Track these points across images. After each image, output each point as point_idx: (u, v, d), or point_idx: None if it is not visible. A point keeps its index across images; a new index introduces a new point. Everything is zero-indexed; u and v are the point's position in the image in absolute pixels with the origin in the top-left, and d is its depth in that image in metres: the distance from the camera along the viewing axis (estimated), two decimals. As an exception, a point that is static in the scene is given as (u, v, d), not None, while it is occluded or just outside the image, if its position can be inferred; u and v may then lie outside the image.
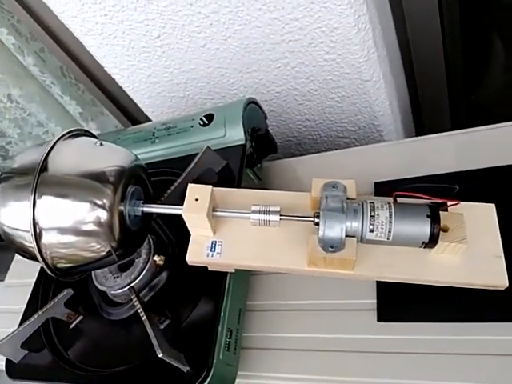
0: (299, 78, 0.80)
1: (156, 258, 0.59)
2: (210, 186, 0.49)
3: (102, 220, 0.46)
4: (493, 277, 0.45)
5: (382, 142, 0.71)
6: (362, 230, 0.45)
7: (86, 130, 0.54)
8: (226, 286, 0.52)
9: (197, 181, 0.61)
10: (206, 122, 0.66)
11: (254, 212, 0.48)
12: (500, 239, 0.47)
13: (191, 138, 0.66)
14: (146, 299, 0.58)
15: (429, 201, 0.47)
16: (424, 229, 0.44)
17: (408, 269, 0.46)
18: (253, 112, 0.66)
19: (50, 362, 0.58)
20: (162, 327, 0.54)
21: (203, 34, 0.76)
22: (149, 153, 0.70)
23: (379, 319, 0.50)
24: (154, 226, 0.62)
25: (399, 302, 0.51)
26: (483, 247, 0.46)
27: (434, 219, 0.44)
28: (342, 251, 0.44)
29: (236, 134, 0.63)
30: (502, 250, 0.46)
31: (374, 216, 0.45)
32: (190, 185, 0.49)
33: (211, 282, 0.53)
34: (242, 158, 0.61)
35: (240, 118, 0.63)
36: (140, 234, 0.53)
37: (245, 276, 0.58)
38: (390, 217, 0.44)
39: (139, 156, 0.71)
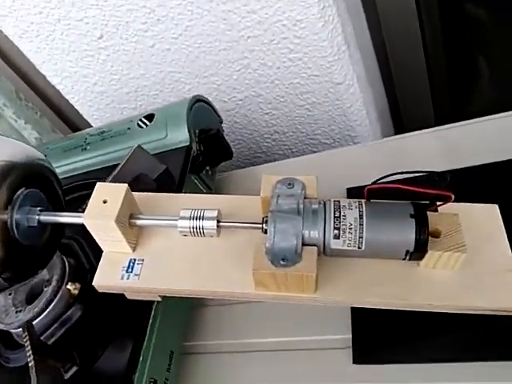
0: (263, 82, 0.71)
1: (70, 286, 0.46)
2: (126, 185, 0.37)
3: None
4: (505, 297, 0.33)
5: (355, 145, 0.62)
6: (325, 236, 0.33)
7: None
8: (150, 320, 0.39)
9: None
10: (146, 122, 0.55)
11: (184, 218, 0.36)
12: (509, 248, 0.36)
13: (127, 142, 0.55)
14: (53, 338, 0.44)
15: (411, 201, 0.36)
16: (407, 232, 0.32)
17: (390, 290, 0.34)
18: (201, 112, 0.56)
19: None
20: (67, 376, 0.40)
21: (151, 33, 0.67)
22: (79, 162, 0.59)
23: (355, 361, 0.38)
24: (73, 244, 0.50)
25: (381, 338, 0.38)
26: (489, 259, 0.35)
27: (420, 219, 0.32)
28: (298, 265, 0.33)
29: (179, 135, 0.52)
30: (512, 261, 0.35)
31: (339, 217, 0.33)
32: (98, 184, 0.38)
33: (133, 316, 0.40)
34: (185, 162, 0.50)
35: (184, 117, 0.52)
36: (40, 251, 0.40)
37: (181, 307, 0.45)
38: (361, 217, 0.33)
39: (69, 166, 0.61)
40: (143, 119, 0.56)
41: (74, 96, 0.81)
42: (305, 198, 0.36)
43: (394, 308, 0.35)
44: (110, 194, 0.37)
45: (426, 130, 0.54)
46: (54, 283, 0.46)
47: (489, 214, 0.38)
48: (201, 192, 0.53)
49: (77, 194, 0.57)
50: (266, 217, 0.36)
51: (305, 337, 0.40)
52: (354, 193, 0.50)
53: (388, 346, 0.37)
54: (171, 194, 0.42)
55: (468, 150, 0.49)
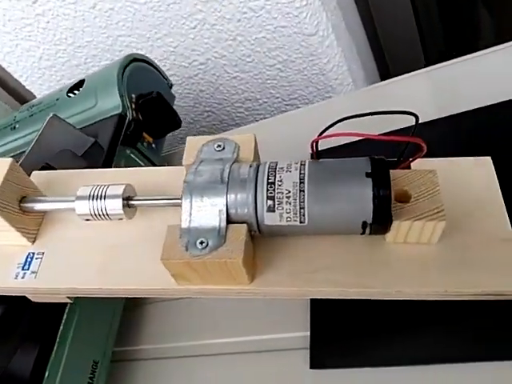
0: (223, 39, 0.62)
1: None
2: (9, 160, 0.30)
3: None
4: (500, 276, 0.25)
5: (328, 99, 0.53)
6: (256, 209, 0.25)
7: None
8: (61, 327, 0.32)
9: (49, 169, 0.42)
10: (75, 91, 0.47)
11: (81, 198, 0.29)
12: (506, 212, 0.27)
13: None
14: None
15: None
16: (362, 198, 0.24)
17: (347, 275, 0.26)
18: (139, 73, 0.48)
19: None
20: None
21: (89, -10, 0.59)
22: (10, 143, 0.52)
23: (313, 365, 0.30)
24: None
25: (343, 337, 0.30)
26: (478, 227, 0.27)
27: (380, 179, 0.24)
28: (220, 249, 0.25)
29: (109, 102, 0.45)
30: (510, 228, 0.27)
31: (273, 183, 0.25)
32: (-23, 161, 0.30)
33: (40, 322, 0.33)
34: (116, 132, 0.42)
35: (114, 80, 0.44)
36: None
37: (106, 308, 0.38)
38: (302, 181, 0.25)
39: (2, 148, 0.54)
40: (73, 88, 0.48)
41: (22, 74, 0.73)
42: (237, 162, 0.28)
43: (353, 298, 0.27)
44: (-9, 170, 0.29)
45: (415, 72, 0.45)
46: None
47: (480, 169, 0.30)
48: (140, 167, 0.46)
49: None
50: (188, 189, 0.28)
51: (255, 336, 0.33)
52: (325, 157, 0.41)
53: (353, 346, 0.30)
54: (81, 170, 0.35)
55: (465, 92, 0.40)
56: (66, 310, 0.32)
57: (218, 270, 0.26)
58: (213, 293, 0.28)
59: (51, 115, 0.40)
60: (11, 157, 0.52)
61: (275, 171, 0.26)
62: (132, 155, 0.44)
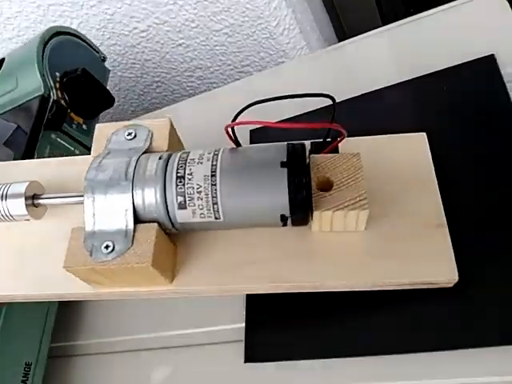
0: (163, 4, 0.57)
1: None
2: None
3: None
4: (432, 265, 0.24)
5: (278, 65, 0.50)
6: (167, 206, 0.23)
7: None
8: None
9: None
10: (-5, 72, 0.43)
11: (-18, 199, 0.26)
12: (438, 193, 0.26)
13: (-27, 100, 0.43)
14: None
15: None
16: (277, 190, 0.22)
17: (270, 269, 0.25)
18: (63, 48, 0.44)
19: None
20: None
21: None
22: None
23: (247, 359, 0.29)
24: None
25: (278, 329, 0.29)
26: (410, 211, 0.26)
27: (295, 168, 0.22)
28: (127, 253, 0.23)
29: (30, 83, 0.41)
30: (443, 213, 0.25)
31: (183, 177, 0.23)
32: None
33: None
34: (39, 116, 0.39)
35: (33, 58, 0.40)
36: None
37: (40, 306, 0.36)
38: (213, 174, 0.23)
39: None
40: (-8, 69, 0.44)
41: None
42: (148, 152, 0.26)
43: (280, 292, 0.25)
44: None
45: (373, 32, 0.42)
46: None
47: (413, 147, 0.28)
48: (71, 154, 0.43)
49: None
50: (96, 185, 0.26)
51: (188, 329, 0.32)
52: (258, 135, 0.39)
53: (289, 337, 0.29)
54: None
55: (426, 52, 0.37)
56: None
57: (129, 274, 0.24)
58: (133, 295, 0.26)
59: (-41, 102, 0.36)
60: None
61: (185, 163, 0.24)
62: (58, 139, 0.41)
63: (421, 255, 0.24)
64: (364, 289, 0.25)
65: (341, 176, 0.24)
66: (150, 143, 0.26)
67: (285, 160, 0.23)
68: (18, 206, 0.26)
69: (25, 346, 0.33)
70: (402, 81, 0.37)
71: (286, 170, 0.22)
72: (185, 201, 0.23)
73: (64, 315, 0.38)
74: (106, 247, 0.23)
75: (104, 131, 0.28)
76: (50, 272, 0.27)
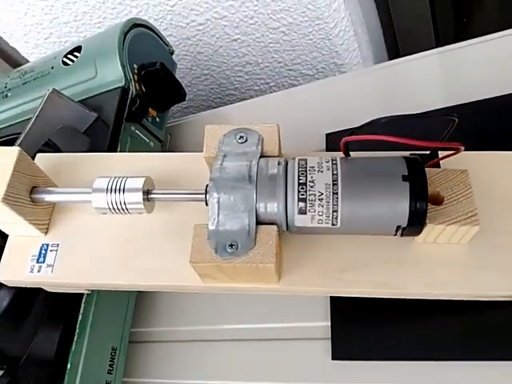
0: (225, -1, 0.58)
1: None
2: (17, 149, 0.28)
3: None
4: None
5: (334, 76, 0.50)
6: (287, 210, 0.25)
7: None
8: (79, 316, 0.31)
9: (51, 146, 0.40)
10: (72, 58, 0.44)
11: (98, 190, 0.27)
12: (533, 211, 0.27)
13: (52, 84, 0.44)
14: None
15: (404, 151, 0.27)
16: (398, 202, 0.24)
17: (375, 275, 0.26)
18: (141, 40, 0.45)
19: None
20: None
21: None
22: (1, 113, 0.48)
23: (334, 356, 0.31)
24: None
25: (364, 330, 0.31)
26: (508, 227, 0.27)
27: (417, 184, 0.24)
28: (251, 252, 0.24)
29: (110, 73, 0.42)
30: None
31: (305, 184, 0.24)
32: (-18, 149, 0.28)
33: (60, 310, 0.32)
34: (120, 108, 0.40)
35: (115, 48, 0.41)
36: None
37: (123, 295, 0.37)
38: (335, 183, 0.24)
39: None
40: (68, 55, 0.45)
41: (6, 30, 0.68)
42: (262, 156, 0.27)
43: (382, 297, 0.27)
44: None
45: (427, 53, 0.43)
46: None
47: (508, 164, 0.29)
48: (146, 144, 0.44)
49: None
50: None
51: (276, 323, 0.33)
52: (334, 140, 0.40)
53: (374, 338, 0.30)
54: (90, 154, 0.33)
55: (479, 76, 0.38)
56: (83, 300, 0.32)
57: (248, 272, 0.25)
58: (239, 290, 0.28)
59: (51, 90, 0.37)
60: (3, 128, 0.50)
61: (306, 170, 0.25)
62: (137, 131, 0.42)
63: (519, 270, 0.26)
64: (463, 298, 0.26)
65: (451, 191, 0.25)
66: (262, 148, 0.28)
67: (406, 174, 0.24)
68: (135, 200, 0.27)
69: (111, 332, 0.34)
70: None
71: (407, 183, 0.24)
72: (305, 206, 0.24)
73: (140, 302, 0.40)
74: (231, 246, 0.24)
75: (213, 133, 0.29)
76: (156, 263, 0.28)
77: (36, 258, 0.30)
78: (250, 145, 0.28)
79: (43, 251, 0.30)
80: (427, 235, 0.26)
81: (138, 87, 0.43)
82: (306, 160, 0.26)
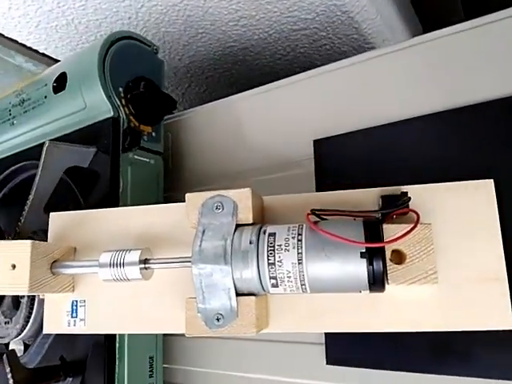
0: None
1: (41, 295, 0.45)
2: (29, 243, 0.32)
3: None
4: (485, 314, 0.28)
5: (330, 64, 0.46)
6: (262, 284, 0.28)
7: None
8: (117, 347, 0.38)
9: (64, 191, 0.43)
10: (60, 87, 0.45)
11: (103, 265, 0.32)
12: (502, 248, 0.29)
13: (48, 115, 0.47)
14: (45, 347, 0.46)
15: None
16: (358, 276, 0.26)
17: (347, 318, 0.30)
18: (121, 56, 0.44)
19: None
20: (64, 388, 0.43)
21: None
22: (10, 140, 0.52)
23: (329, 361, 0.36)
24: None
25: (357, 338, 0.35)
26: (475, 262, 0.29)
27: (374, 258, 0.26)
28: (235, 323, 0.28)
29: (98, 105, 0.43)
30: (504, 267, 0.28)
31: (273, 264, 0.27)
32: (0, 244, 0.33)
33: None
34: (114, 140, 0.42)
35: (97, 80, 0.42)
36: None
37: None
38: (300, 262, 0.27)
39: (2, 145, 0.54)
40: (56, 83, 0.45)
41: (-5, 22, 0.67)
42: (237, 225, 0.29)
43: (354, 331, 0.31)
44: (16, 255, 0.32)
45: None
46: (26, 297, 0.45)
47: (479, 194, 0.30)
48: (148, 166, 0.45)
49: (16, 179, 0.52)
50: (196, 254, 0.30)
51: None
52: (322, 146, 0.40)
53: (367, 347, 0.35)
54: (93, 211, 0.36)
55: None
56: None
57: (234, 332, 0.30)
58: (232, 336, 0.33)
59: (47, 144, 0.39)
60: (12, 155, 0.53)
61: (274, 250, 0.27)
62: (135, 156, 0.44)
63: (479, 304, 0.28)
64: (428, 330, 0.30)
65: (413, 249, 0.27)
66: (237, 215, 0.30)
67: (364, 251, 0.26)
68: (133, 272, 0.31)
69: (148, 342, 0.42)
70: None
71: (365, 260, 0.26)
72: (277, 282, 0.28)
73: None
74: (217, 319, 0.29)
75: (193, 201, 0.31)
76: (158, 315, 0.33)
77: (70, 313, 0.36)
78: (226, 214, 0.30)
79: (74, 307, 0.36)
80: (391, 288, 0.28)
81: (127, 111, 0.43)
82: (274, 236, 0.28)
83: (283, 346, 0.39)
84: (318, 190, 0.39)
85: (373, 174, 0.38)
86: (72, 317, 0.35)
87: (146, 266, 0.32)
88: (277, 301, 0.31)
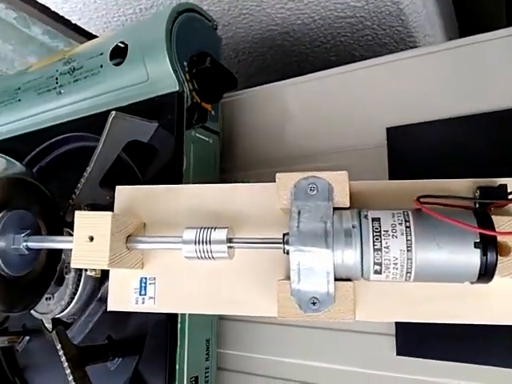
0: None
1: (89, 272, 0.44)
2: (110, 214, 0.31)
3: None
4: None
5: (398, 53, 0.45)
6: (362, 269, 0.27)
7: None
8: (179, 328, 0.38)
9: (119, 165, 0.42)
10: (119, 57, 0.43)
11: (187, 242, 0.30)
12: None
13: (103, 86, 0.45)
14: (89, 326, 0.45)
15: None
16: (470, 265, 0.26)
17: (449, 307, 0.29)
18: (189, 28, 0.43)
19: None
20: (112, 368, 0.42)
21: None
22: (56, 109, 0.50)
23: (399, 352, 0.36)
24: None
25: (427, 331, 0.35)
26: None
27: (488, 248, 0.25)
28: (332, 308, 0.28)
29: (163, 78, 0.41)
30: None
31: (380, 250, 0.26)
32: (77, 214, 0.32)
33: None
34: (179, 116, 0.41)
35: (164, 52, 0.40)
36: (43, 274, 0.38)
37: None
38: (409, 249, 0.26)
39: (45, 115, 0.52)
40: (113, 52, 0.44)
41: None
42: (334, 208, 0.29)
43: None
44: (95, 227, 0.31)
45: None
46: (72, 272, 0.44)
47: None
48: (207, 145, 0.44)
49: (59, 150, 0.51)
50: (286, 234, 0.30)
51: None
52: (396, 135, 0.40)
53: (436, 339, 0.35)
54: (164, 186, 0.35)
55: None
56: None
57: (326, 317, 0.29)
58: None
59: (114, 114, 0.38)
60: (57, 125, 0.51)
61: (380, 235, 0.27)
62: (197, 135, 0.42)
63: None
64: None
65: (519, 241, 0.27)
66: (332, 198, 0.29)
67: (478, 240, 0.25)
68: (220, 250, 0.30)
69: (205, 324, 0.41)
70: None
71: (479, 250, 0.25)
72: (380, 269, 0.27)
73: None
74: (313, 303, 0.28)
75: (284, 181, 0.30)
76: (236, 296, 0.32)
77: (138, 290, 0.34)
78: (320, 196, 0.29)
79: (143, 284, 0.34)
80: (495, 280, 0.28)
81: (190, 86, 0.42)
82: (379, 221, 0.27)
83: (351, 335, 0.38)
84: (392, 178, 0.39)
85: (448, 165, 0.38)
86: (140, 294, 0.34)
87: (231, 244, 0.31)
88: (369, 288, 0.30)
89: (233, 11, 0.66)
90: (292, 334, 0.41)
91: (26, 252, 0.35)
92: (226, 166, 0.49)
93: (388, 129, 0.40)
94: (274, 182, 0.31)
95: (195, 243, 0.31)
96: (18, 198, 0.36)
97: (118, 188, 0.36)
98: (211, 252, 0.31)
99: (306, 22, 0.68)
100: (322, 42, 0.74)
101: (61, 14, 0.70)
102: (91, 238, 0.31)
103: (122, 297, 0.35)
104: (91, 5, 0.67)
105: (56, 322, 0.49)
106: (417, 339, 0.35)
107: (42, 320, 0.50)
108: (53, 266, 0.40)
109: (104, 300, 0.45)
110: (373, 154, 0.41)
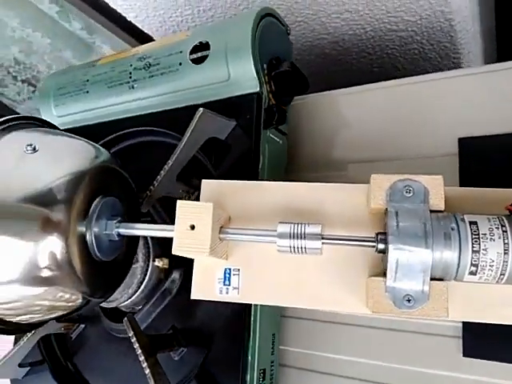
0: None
1: (157, 262, 0.46)
2: (211, 205, 0.33)
3: (55, 260, 0.32)
4: None
5: (469, 68, 0.47)
6: (458, 270, 0.29)
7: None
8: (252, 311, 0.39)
9: (195, 162, 0.44)
10: (200, 56, 0.45)
11: (282, 236, 0.32)
12: None
13: (181, 83, 0.47)
14: (152, 316, 0.46)
15: None
16: None
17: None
18: (269, 33, 0.45)
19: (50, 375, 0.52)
20: (176, 358, 0.43)
21: None
22: (128, 103, 0.52)
23: (466, 353, 0.37)
24: (152, 213, 0.47)
25: (495, 332, 0.37)
26: None
27: None
28: (426, 306, 0.29)
29: (244, 78, 0.43)
30: None
31: (478, 252, 0.28)
32: (179, 203, 0.33)
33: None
34: (258, 116, 0.42)
35: (249, 52, 0.42)
36: (124, 261, 0.39)
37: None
38: (506, 252, 0.28)
39: (116, 107, 0.54)
40: (194, 51, 0.46)
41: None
42: (431, 211, 0.30)
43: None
44: (196, 216, 0.33)
45: None
46: (140, 262, 0.46)
47: None
48: (278, 146, 0.46)
49: (127, 142, 0.52)
50: (380, 234, 0.31)
51: (413, 319, 0.40)
52: (469, 145, 0.41)
53: (504, 341, 0.36)
54: (252, 182, 0.37)
55: None
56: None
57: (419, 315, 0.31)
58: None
59: (201, 110, 0.40)
60: (128, 118, 0.53)
61: (479, 238, 0.28)
62: (271, 135, 0.44)
63: None
64: None
65: None
66: (428, 200, 0.31)
67: None
68: (314, 246, 0.32)
69: (273, 318, 0.42)
70: None
71: None
72: (476, 270, 0.29)
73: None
74: (408, 300, 0.30)
75: (380, 183, 0.32)
76: (323, 292, 0.34)
77: (222, 280, 0.36)
78: (416, 199, 0.31)
79: (227, 275, 0.36)
80: None
81: (268, 88, 0.44)
82: (476, 223, 0.29)
83: (415, 336, 0.40)
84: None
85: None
86: (224, 284, 0.36)
87: (324, 241, 0.32)
88: (457, 288, 0.32)
89: (289, 18, 0.69)
90: (350, 333, 0.43)
91: (117, 238, 0.36)
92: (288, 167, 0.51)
93: (460, 139, 0.42)
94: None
95: (290, 237, 0.32)
96: (111, 185, 0.37)
97: (205, 181, 0.38)
98: (305, 247, 0.32)
99: (358, 33, 0.71)
100: (368, 53, 0.76)
101: (118, 10, 0.73)
102: (192, 227, 0.33)
103: (205, 286, 0.36)
104: (151, 3, 0.69)
105: (115, 311, 0.50)
106: (484, 341, 0.37)
107: (99, 308, 0.51)
108: (132, 254, 0.41)
109: (169, 291, 0.46)
110: (439, 163, 0.43)
